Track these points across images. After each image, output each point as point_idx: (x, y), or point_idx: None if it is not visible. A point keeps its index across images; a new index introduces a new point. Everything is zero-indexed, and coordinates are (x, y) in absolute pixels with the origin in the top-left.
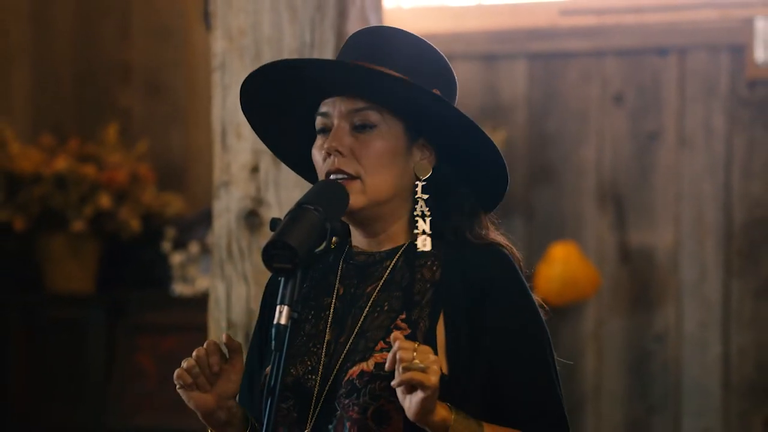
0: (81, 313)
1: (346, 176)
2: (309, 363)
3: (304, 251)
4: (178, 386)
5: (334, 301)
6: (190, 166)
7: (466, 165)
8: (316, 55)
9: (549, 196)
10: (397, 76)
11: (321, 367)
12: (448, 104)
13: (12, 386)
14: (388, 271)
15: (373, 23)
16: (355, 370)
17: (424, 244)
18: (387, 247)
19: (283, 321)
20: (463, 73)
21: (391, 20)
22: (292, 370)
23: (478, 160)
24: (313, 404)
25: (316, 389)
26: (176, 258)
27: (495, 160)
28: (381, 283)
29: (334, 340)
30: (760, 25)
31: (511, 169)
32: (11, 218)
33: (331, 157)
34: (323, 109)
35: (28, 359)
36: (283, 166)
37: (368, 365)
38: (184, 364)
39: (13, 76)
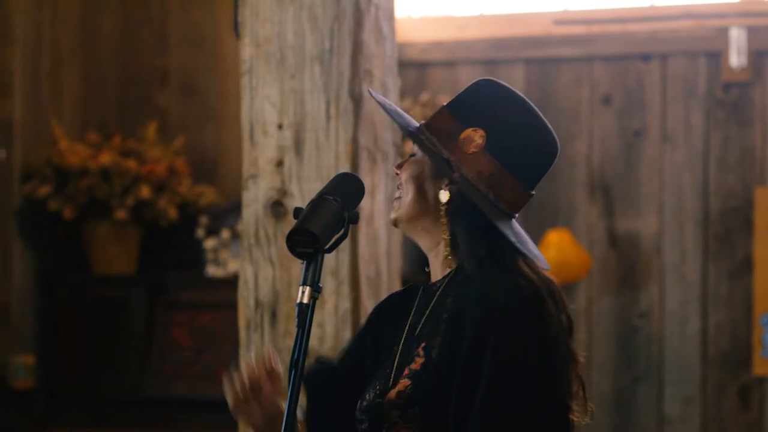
0: (124, 292)
1: (399, 192)
2: (378, 387)
3: (325, 237)
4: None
5: (406, 330)
6: (221, 160)
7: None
8: (334, 60)
9: (544, 188)
10: (412, 122)
11: (383, 393)
12: (451, 165)
13: (62, 358)
14: (432, 303)
15: (386, 32)
16: (387, 398)
17: (449, 264)
18: (439, 276)
19: (305, 300)
20: (466, 78)
21: (402, 29)
22: (367, 395)
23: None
24: (382, 428)
25: (381, 413)
26: (209, 243)
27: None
28: (426, 315)
29: (396, 367)
30: (733, 34)
31: None
32: (61, 207)
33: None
34: None
35: (77, 334)
36: (306, 160)
37: (392, 393)
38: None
39: (63, 79)
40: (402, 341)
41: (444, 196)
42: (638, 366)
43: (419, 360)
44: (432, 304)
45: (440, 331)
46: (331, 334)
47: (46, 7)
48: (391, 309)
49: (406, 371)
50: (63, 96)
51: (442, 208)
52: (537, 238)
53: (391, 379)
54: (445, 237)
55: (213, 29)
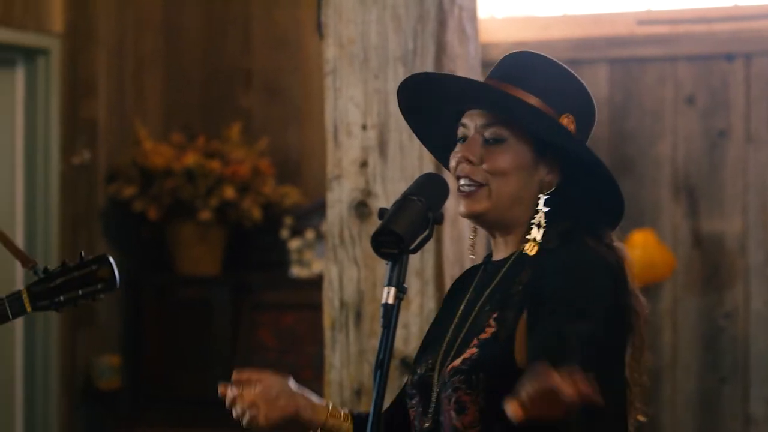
0: (208, 292)
1: (473, 184)
2: (430, 361)
3: (409, 238)
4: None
5: (463, 305)
6: (305, 161)
7: (588, 188)
8: (418, 61)
9: (629, 188)
10: (524, 101)
11: (437, 364)
12: (567, 133)
13: (147, 359)
14: (499, 277)
15: (469, 33)
16: (451, 366)
17: (531, 249)
18: (505, 255)
19: (390, 301)
20: None
21: (485, 30)
22: (418, 369)
23: (596, 186)
24: (431, 398)
25: (433, 384)
26: (294, 243)
27: (612, 191)
28: (490, 288)
29: (452, 340)
30: None
31: None
32: (146, 208)
33: (462, 164)
34: (464, 120)
35: (162, 334)
36: (390, 160)
37: (458, 361)
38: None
39: (147, 80)
40: (458, 316)
41: (553, 181)
42: (723, 367)
43: (490, 330)
44: (499, 277)
45: (514, 302)
46: (416, 335)
47: (130, 9)
48: (449, 295)
49: (475, 341)
50: (147, 97)
51: (545, 193)
52: (622, 238)
53: (454, 350)
54: (538, 221)
55: (296, 29)
